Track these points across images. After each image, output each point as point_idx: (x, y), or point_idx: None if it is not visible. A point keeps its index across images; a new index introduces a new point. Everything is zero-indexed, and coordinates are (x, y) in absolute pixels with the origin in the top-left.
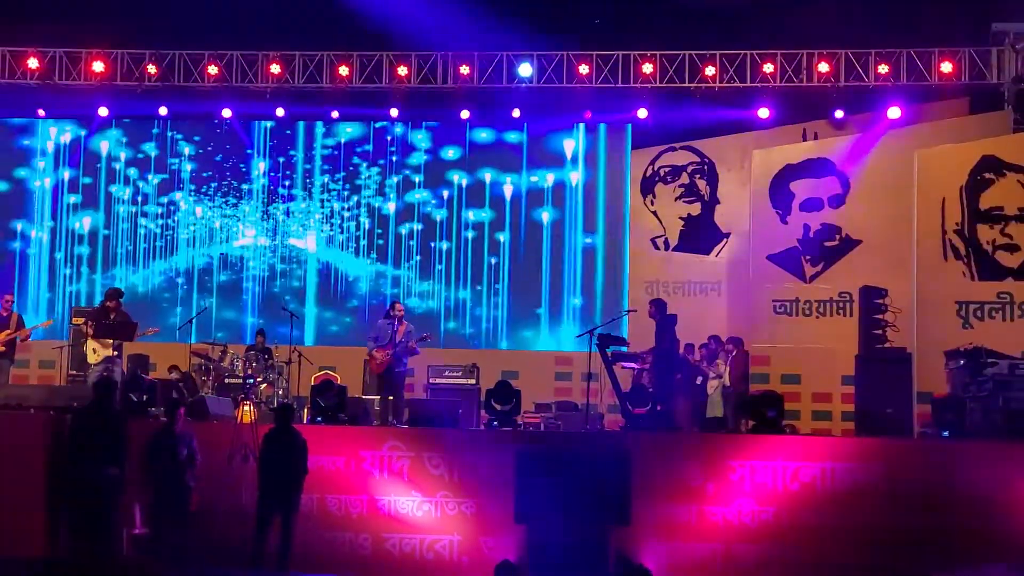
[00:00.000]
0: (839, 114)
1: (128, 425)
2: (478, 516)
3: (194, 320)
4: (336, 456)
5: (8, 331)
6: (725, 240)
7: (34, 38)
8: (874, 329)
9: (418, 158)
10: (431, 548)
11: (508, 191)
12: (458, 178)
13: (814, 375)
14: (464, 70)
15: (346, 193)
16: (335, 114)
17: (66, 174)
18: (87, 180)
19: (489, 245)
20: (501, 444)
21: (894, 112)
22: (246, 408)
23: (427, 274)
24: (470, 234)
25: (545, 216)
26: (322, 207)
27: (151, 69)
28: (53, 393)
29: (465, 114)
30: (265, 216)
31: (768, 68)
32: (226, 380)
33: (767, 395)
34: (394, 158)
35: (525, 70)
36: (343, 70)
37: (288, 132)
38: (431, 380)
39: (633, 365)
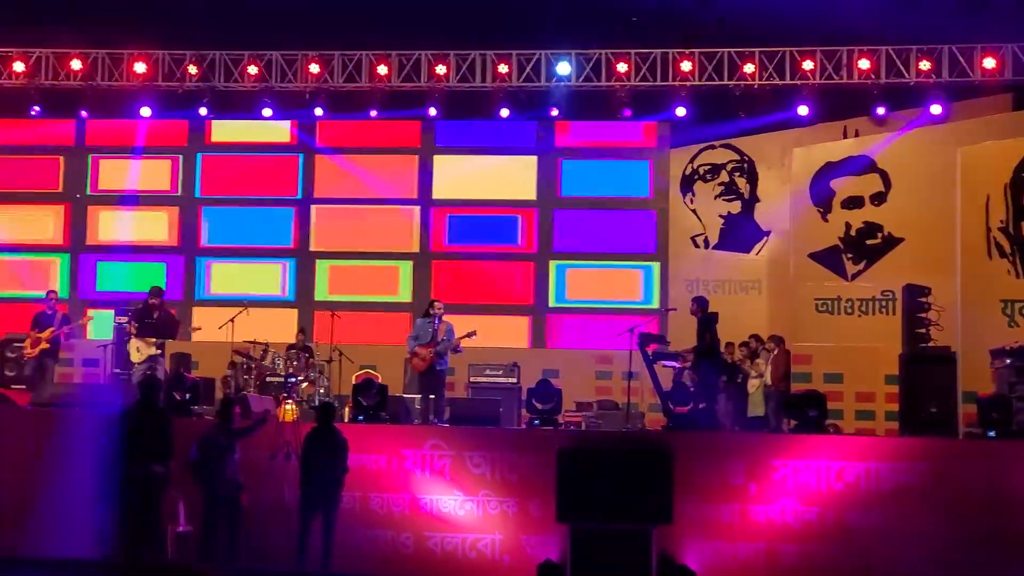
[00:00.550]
0: (880, 111)
1: (173, 423)
2: (520, 515)
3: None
4: (378, 455)
5: (52, 328)
6: (765, 238)
7: (77, 40)
8: (917, 328)
9: None
10: (473, 547)
11: None
12: None
13: (857, 374)
14: (503, 69)
15: None
16: (373, 113)
17: None
18: None
19: None
20: (543, 443)
21: (936, 109)
22: (288, 407)
23: None
24: None
25: None
26: None
27: (192, 70)
28: (97, 391)
29: (505, 112)
30: None
31: (808, 65)
32: (267, 379)
33: (809, 394)
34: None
35: (563, 68)
36: (382, 69)
37: None
38: (472, 379)
39: (674, 364)
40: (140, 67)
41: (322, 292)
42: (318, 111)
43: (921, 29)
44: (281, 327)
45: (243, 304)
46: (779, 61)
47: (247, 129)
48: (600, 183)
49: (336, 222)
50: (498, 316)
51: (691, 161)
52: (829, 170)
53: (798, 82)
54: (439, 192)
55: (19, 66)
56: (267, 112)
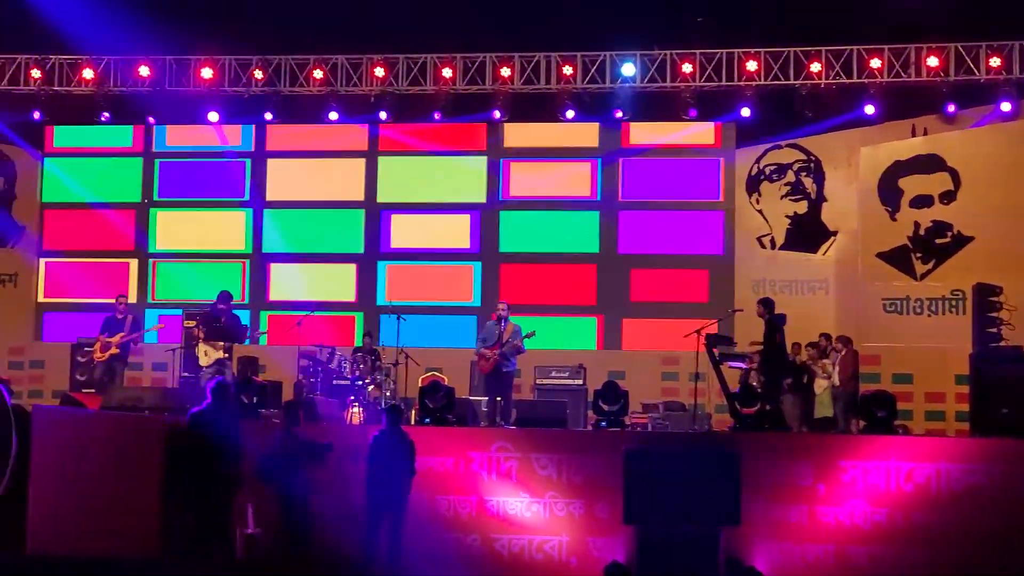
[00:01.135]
0: (950, 109)
1: (242, 426)
2: (587, 517)
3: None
4: (445, 457)
5: (122, 334)
6: (832, 238)
7: (146, 46)
8: (988, 327)
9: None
10: (540, 549)
11: None
12: None
13: (927, 374)
14: (567, 70)
15: None
16: (437, 116)
17: None
18: None
19: None
20: (609, 445)
21: (1005, 106)
22: (354, 409)
23: None
24: None
25: None
26: None
27: (258, 75)
28: (167, 395)
29: (570, 114)
30: None
31: (875, 63)
32: (334, 382)
33: (878, 395)
34: None
35: (628, 70)
36: (447, 72)
37: None
38: (538, 381)
39: (741, 365)
40: (207, 72)
41: (387, 295)
42: (382, 115)
43: (991, 25)
44: (346, 330)
45: (308, 310)
46: (846, 59)
47: (314, 133)
48: (666, 184)
49: (402, 225)
50: (564, 317)
51: (757, 161)
52: (897, 169)
53: (865, 80)
54: (506, 193)
55: (88, 73)
56: (333, 116)
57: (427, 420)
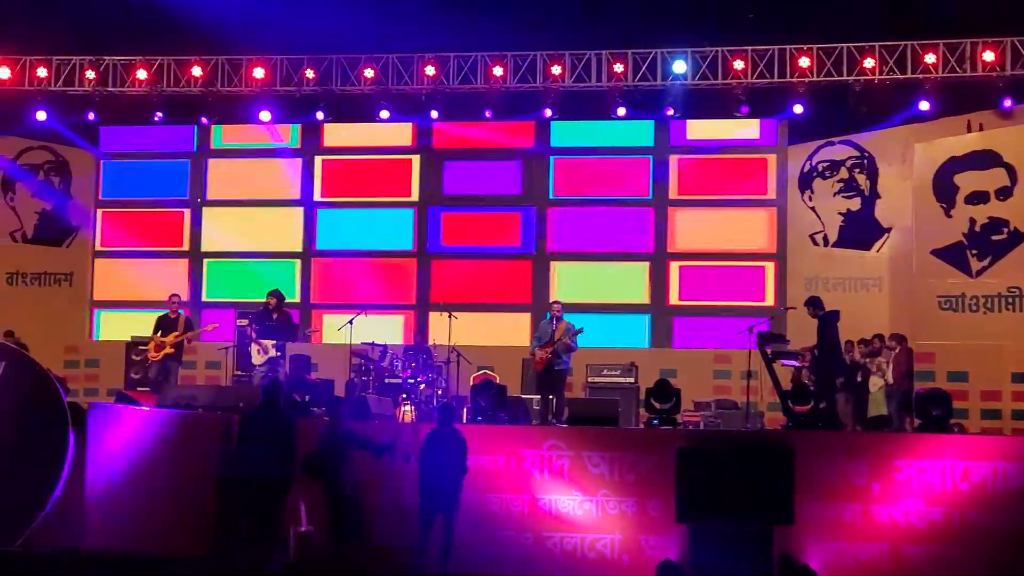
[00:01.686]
0: (1007, 104)
1: (295, 424)
2: (639, 515)
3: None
4: (496, 455)
5: (176, 333)
6: (886, 235)
7: (198, 47)
8: None
9: None
10: (592, 547)
11: None
12: None
13: (983, 372)
14: (618, 68)
15: None
16: (488, 114)
17: None
18: None
19: None
20: (661, 443)
21: None
22: (406, 408)
23: None
24: None
25: None
26: None
27: (309, 74)
28: (220, 393)
29: (622, 111)
30: None
31: (930, 59)
32: (386, 380)
33: (933, 393)
34: None
35: (680, 67)
36: (497, 70)
37: None
38: (590, 379)
39: (794, 363)
40: (259, 72)
41: (440, 293)
42: (433, 113)
43: None
44: (397, 327)
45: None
46: (900, 55)
47: (363, 132)
48: (717, 182)
49: (454, 223)
50: (616, 314)
51: (809, 158)
52: (952, 165)
53: (920, 76)
54: (556, 192)
55: (142, 73)
56: (384, 114)
57: (479, 418)
